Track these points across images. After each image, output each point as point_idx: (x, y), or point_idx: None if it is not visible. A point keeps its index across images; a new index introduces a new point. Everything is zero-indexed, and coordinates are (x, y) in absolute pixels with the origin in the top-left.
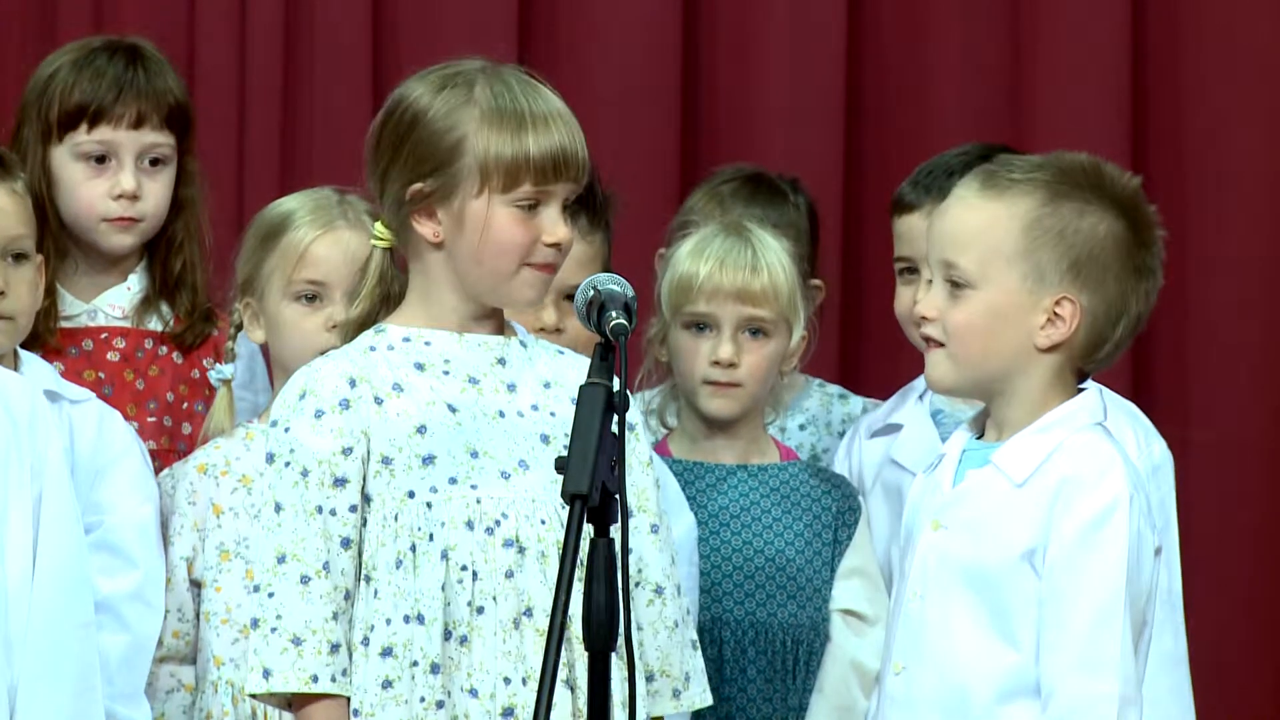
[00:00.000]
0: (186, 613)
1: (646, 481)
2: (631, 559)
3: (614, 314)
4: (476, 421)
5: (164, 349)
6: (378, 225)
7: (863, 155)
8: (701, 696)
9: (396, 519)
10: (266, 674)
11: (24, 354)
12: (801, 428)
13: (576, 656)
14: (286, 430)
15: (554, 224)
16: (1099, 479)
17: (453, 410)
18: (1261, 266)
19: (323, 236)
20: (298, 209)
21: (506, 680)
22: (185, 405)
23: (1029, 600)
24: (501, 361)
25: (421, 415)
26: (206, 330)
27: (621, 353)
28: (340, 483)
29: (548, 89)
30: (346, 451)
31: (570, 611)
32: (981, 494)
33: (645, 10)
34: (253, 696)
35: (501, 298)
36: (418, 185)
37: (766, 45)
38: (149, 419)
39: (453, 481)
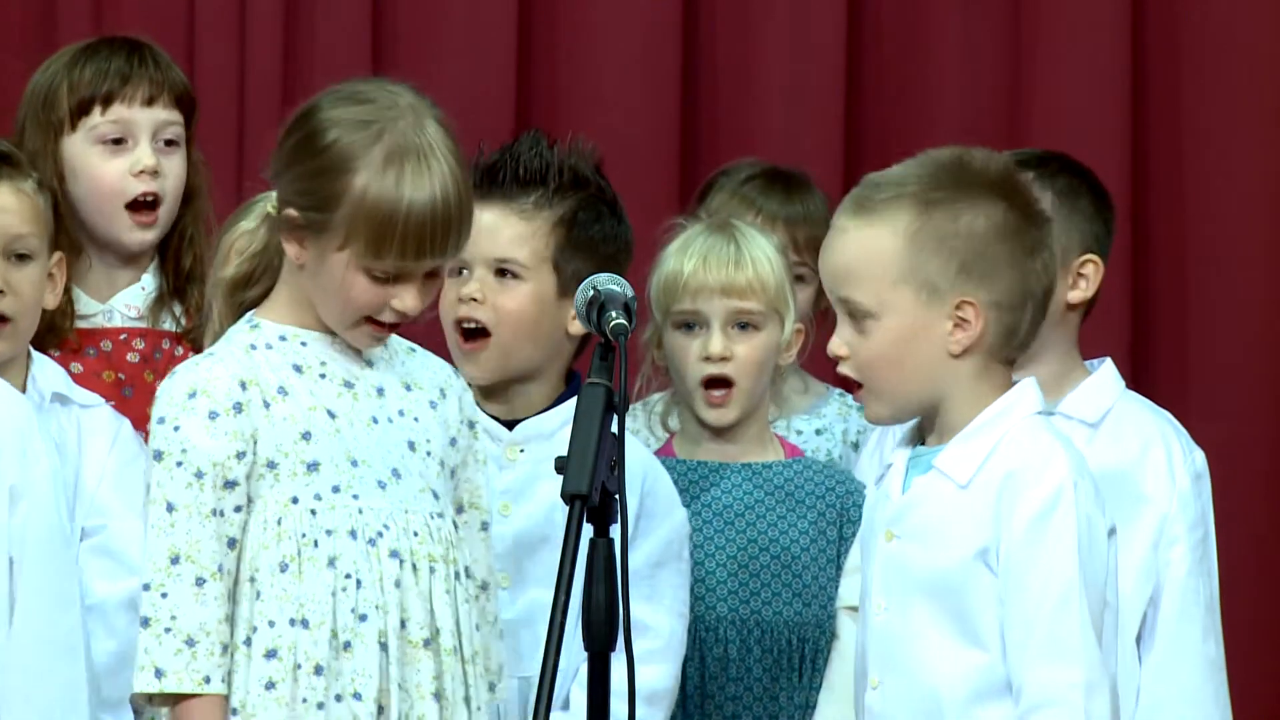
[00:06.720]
0: None
1: (480, 479)
2: (459, 554)
3: (614, 314)
4: (354, 428)
5: (180, 349)
6: (274, 195)
7: (863, 155)
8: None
9: (279, 523)
10: (159, 674)
11: (36, 355)
12: (819, 432)
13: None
14: (176, 429)
15: (409, 296)
16: (1042, 469)
17: (332, 416)
18: (1261, 265)
19: None
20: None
21: (387, 689)
22: None
23: (989, 599)
24: (369, 363)
25: (305, 421)
26: None
27: (621, 353)
28: (230, 485)
29: (449, 150)
30: (240, 455)
31: (462, 629)
32: (928, 500)
33: (645, 10)
34: (141, 695)
35: (338, 332)
36: (293, 213)
37: (766, 44)
38: None
39: (335, 490)
